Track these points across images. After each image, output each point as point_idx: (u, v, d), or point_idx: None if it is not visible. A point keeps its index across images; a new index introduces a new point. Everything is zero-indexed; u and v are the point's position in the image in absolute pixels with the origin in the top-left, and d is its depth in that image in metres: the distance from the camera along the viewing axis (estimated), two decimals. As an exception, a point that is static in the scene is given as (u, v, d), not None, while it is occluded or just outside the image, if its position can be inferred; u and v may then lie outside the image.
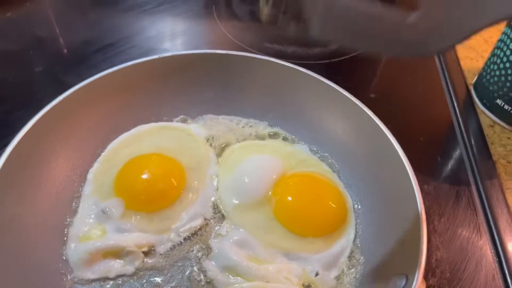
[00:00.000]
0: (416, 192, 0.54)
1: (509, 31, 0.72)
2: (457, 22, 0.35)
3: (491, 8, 0.33)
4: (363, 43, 0.42)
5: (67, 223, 0.58)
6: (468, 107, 0.82)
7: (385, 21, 0.38)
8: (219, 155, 0.68)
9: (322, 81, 0.67)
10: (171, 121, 0.71)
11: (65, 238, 0.57)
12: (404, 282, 0.48)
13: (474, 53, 0.94)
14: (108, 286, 0.54)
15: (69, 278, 0.54)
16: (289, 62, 0.75)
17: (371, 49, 0.43)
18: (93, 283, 0.54)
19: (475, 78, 0.85)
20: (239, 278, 0.54)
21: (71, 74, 0.83)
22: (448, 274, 0.58)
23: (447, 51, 0.34)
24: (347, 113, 0.66)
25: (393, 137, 0.59)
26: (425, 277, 0.57)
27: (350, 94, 0.65)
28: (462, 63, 0.91)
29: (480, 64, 0.90)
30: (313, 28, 0.41)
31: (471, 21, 0.34)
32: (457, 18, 0.35)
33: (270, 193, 0.61)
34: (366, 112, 0.63)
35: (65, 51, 0.91)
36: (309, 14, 0.41)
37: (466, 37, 0.35)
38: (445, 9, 0.35)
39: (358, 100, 0.64)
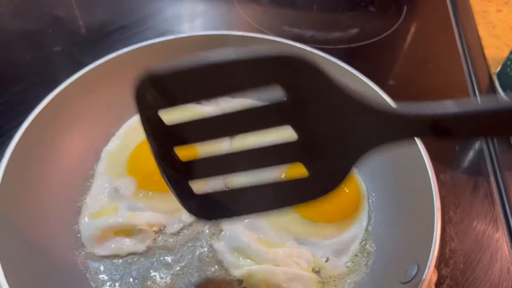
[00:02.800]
0: (432, 181, 0.52)
1: (537, 18, 0.69)
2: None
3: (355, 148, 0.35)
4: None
5: (80, 200, 0.59)
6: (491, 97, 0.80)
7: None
8: (235, 136, 0.67)
9: (340, 65, 0.66)
10: (187, 102, 0.71)
11: (78, 215, 0.57)
12: (415, 270, 0.47)
13: (499, 42, 0.91)
14: (119, 263, 0.54)
15: (81, 253, 0.54)
16: (304, 44, 0.74)
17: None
18: (104, 260, 0.54)
19: (499, 67, 0.83)
20: (248, 260, 0.53)
21: (89, 54, 0.83)
22: (461, 265, 0.57)
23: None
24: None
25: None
26: (438, 267, 0.56)
27: (368, 79, 0.63)
28: (486, 51, 0.88)
29: (505, 53, 0.88)
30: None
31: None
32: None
33: (283, 176, 0.60)
34: (383, 98, 0.61)
35: (83, 31, 0.91)
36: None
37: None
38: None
39: (376, 85, 0.62)
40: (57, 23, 0.92)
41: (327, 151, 0.36)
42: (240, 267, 0.52)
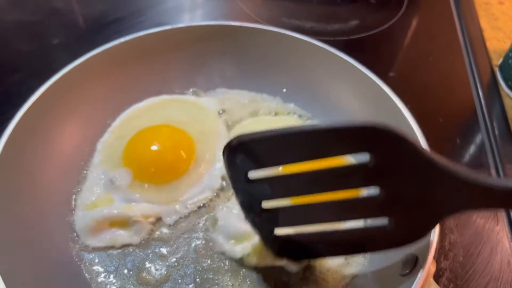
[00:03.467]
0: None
1: (539, 8, 0.68)
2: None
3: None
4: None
5: (75, 191, 0.58)
6: (492, 89, 0.79)
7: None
8: (230, 129, 0.67)
9: (339, 56, 0.65)
10: (183, 93, 0.70)
11: (73, 206, 0.57)
12: (414, 262, 0.46)
13: (501, 34, 0.90)
14: (114, 254, 0.54)
15: (76, 245, 0.54)
16: (303, 35, 0.73)
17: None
18: (99, 251, 0.54)
19: (501, 59, 0.82)
20: (245, 242, 0.53)
21: (86, 46, 0.81)
22: (461, 258, 0.56)
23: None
24: (365, 90, 0.64)
25: (411, 116, 0.57)
26: (437, 260, 0.55)
27: (368, 70, 0.62)
28: (488, 43, 0.87)
29: (507, 45, 0.86)
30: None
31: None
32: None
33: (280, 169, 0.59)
34: (383, 90, 0.60)
35: (81, 22, 0.90)
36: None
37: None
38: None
39: (376, 77, 0.62)
40: (54, 15, 0.91)
41: (410, 210, 0.39)
42: (240, 249, 0.52)
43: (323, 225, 0.44)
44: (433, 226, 0.41)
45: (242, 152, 0.39)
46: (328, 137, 0.36)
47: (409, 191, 0.37)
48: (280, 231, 0.46)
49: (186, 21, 0.90)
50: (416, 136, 0.55)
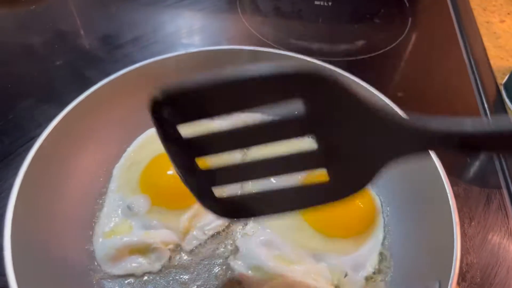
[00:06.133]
0: (448, 194, 0.52)
1: (544, 29, 0.70)
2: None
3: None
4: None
5: (94, 218, 0.58)
6: (499, 108, 0.80)
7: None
8: (245, 152, 0.67)
9: (348, 77, 0.66)
10: (197, 117, 0.70)
11: (91, 234, 0.57)
12: (437, 287, 0.47)
13: (504, 53, 0.91)
14: (135, 283, 0.53)
15: (96, 274, 0.53)
16: (314, 58, 0.73)
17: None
18: (119, 279, 0.54)
19: (506, 78, 0.83)
20: (266, 278, 0.53)
21: (94, 69, 0.83)
22: (478, 279, 0.57)
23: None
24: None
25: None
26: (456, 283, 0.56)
27: (378, 92, 0.63)
28: (492, 62, 0.89)
29: (510, 63, 0.88)
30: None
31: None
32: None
33: (302, 180, 0.60)
34: (395, 111, 0.61)
35: (87, 46, 0.91)
36: None
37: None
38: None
39: (386, 97, 0.62)
40: (61, 37, 0.91)
41: (348, 159, 0.37)
42: (259, 286, 0.52)
43: (261, 181, 0.41)
44: (372, 176, 0.39)
45: (168, 105, 0.35)
46: (257, 85, 0.34)
47: (344, 139, 0.36)
48: (218, 191, 0.42)
49: (194, 43, 0.91)
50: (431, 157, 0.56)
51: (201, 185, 0.42)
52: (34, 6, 0.96)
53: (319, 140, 0.36)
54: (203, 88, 0.34)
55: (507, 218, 0.63)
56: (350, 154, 0.37)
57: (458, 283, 0.56)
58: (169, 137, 0.37)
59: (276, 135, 0.37)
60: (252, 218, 0.51)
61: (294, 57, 0.68)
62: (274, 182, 0.43)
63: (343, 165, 0.37)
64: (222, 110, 0.35)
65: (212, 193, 0.42)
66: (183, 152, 0.39)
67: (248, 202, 0.44)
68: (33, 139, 0.68)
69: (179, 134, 0.37)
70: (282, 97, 0.34)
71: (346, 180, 0.39)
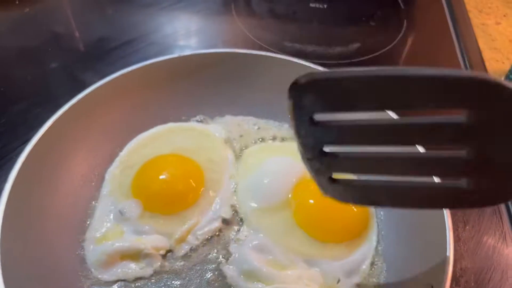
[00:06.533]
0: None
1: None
2: None
3: None
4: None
5: (85, 223, 0.58)
6: (493, 110, 0.79)
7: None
8: (237, 156, 0.67)
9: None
10: (189, 121, 0.70)
11: (83, 239, 0.56)
12: (429, 293, 0.47)
13: (499, 55, 0.91)
14: (126, 288, 0.53)
15: (87, 280, 0.53)
16: (309, 61, 0.73)
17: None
18: (111, 285, 0.53)
19: (501, 81, 0.83)
20: (259, 283, 0.52)
21: (89, 72, 0.83)
22: (473, 284, 0.57)
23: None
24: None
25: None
26: (450, 286, 0.55)
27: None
28: (487, 64, 0.89)
29: (506, 66, 0.88)
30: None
31: None
32: None
33: (290, 196, 0.60)
34: (389, 115, 0.61)
35: (82, 48, 0.90)
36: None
37: None
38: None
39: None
40: (56, 40, 0.91)
41: (496, 172, 0.34)
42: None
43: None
44: None
45: (312, 92, 0.34)
46: (419, 86, 0.31)
47: (502, 153, 0.33)
48: (341, 176, 0.40)
49: (189, 45, 0.91)
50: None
51: (324, 170, 0.39)
52: (28, 9, 0.95)
53: (472, 150, 0.33)
54: (354, 81, 0.32)
55: (501, 222, 0.63)
56: (502, 169, 0.34)
57: (452, 287, 0.55)
58: (301, 122, 0.36)
59: (424, 138, 0.34)
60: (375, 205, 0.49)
61: (290, 60, 0.67)
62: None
63: (489, 177, 0.35)
64: (371, 106, 0.33)
65: (333, 179, 0.39)
66: (312, 137, 0.37)
67: (372, 190, 0.41)
68: (26, 143, 0.68)
69: (313, 122, 0.35)
70: (443, 105, 0.31)
71: (488, 191, 0.36)
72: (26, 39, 0.91)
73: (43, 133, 0.56)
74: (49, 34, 0.92)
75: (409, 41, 0.93)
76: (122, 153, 0.65)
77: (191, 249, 0.57)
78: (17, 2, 0.96)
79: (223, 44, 0.92)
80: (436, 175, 0.38)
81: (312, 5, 1.00)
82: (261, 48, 0.88)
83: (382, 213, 0.61)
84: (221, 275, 0.54)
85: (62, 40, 0.92)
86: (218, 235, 0.58)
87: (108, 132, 0.64)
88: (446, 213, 0.50)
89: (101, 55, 0.87)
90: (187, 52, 0.68)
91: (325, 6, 1.00)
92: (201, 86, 0.70)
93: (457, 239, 0.61)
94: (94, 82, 0.79)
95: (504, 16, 1.02)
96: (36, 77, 0.82)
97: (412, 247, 0.55)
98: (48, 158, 0.57)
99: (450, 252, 0.48)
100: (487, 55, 0.91)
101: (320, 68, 0.66)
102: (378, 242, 0.58)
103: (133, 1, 1.03)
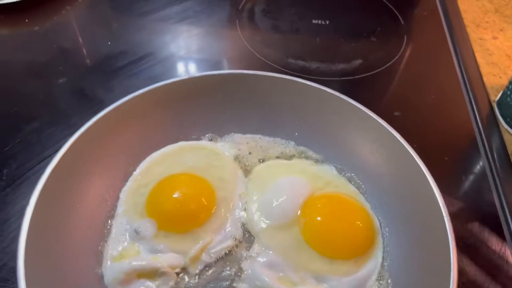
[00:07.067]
0: (444, 215, 0.54)
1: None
2: None
3: None
4: None
5: (102, 242, 0.60)
6: (492, 125, 0.82)
7: None
8: (246, 174, 0.69)
9: (347, 101, 0.68)
10: (200, 139, 0.73)
11: (100, 258, 0.58)
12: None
13: (497, 70, 0.94)
14: (143, 306, 0.55)
15: (105, 298, 0.55)
16: (313, 78, 0.75)
17: None
18: (129, 303, 0.55)
19: (499, 96, 0.85)
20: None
21: (99, 91, 0.85)
22: (475, 298, 0.59)
23: None
24: (374, 133, 0.67)
25: (419, 158, 0.60)
26: (453, 301, 0.58)
27: (375, 114, 0.65)
28: (485, 79, 0.91)
29: (503, 81, 0.91)
30: None
31: None
32: None
33: (299, 214, 0.62)
34: (391, 133, 0.63)
35: (92, 67, 0.92)
36: None
37: None
38: None
39: (383, 121, 0.65)
40: (65, 58, 0.93)
41: None
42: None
43: None
44: None
45: None
46: None
47: None
48: None
49: (195, 63, 0.93)
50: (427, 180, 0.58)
51: None
52: (38, 27, 0.97)
53: None
54: None
55: (502, 236, 0.65)
56: None
57: (455, 302, 0.58)
58: None
59: None
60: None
61: (294, 81, 0.70)
62: None
63: None
64: None
65: None
66: None
67: None
68: (41, 162, 0.71)
69: None
70: None
71: None
72: (36, 57, 0.93)
73: (61, 155, 0.58)
74: (60, 52, 0.94)
75: (409, 56, 0.96)
76: (136, 173, 0.67)
77: (205, 267, 0.59)
78: (26, 21, 0.98)
79: (228, 61, 0.94)
80: None
81: (314, 21, 1.03)
82: (265, 65, 0.90)
83: (387, 229, 0.63)
84: (235, 292, 0.56)
85: (72, 58, 0.94)
86: (231, 252, 0.60)
87: (122, 152, 0.67)
88: (449, 229, 0.53)
89: (110, 75, 0.89)
90: (197, 74, 0.70)
91: (328, 22, 1.03)
92: (210, 105, 0.72)
93: (458, 253, 0.63)
94: (104, 100, 0.82)
95: (501, 30, 1.05)
96: (47, 95, 0.84)
97: (417, 263, 0.57)
98: (66, 179, 0.59)
99: (454, 268, 0.50)
100: (484, 69, 0.94)
101: (325, 89, 0.69)
102: (384, 258, 0.60)
103: (138, 17, 1.05)
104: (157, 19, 1.04)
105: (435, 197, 0.56)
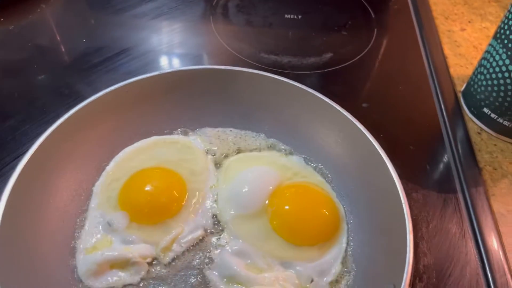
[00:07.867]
0: (403, 201, 0.57)
1: (495, 43, 0.75)
2: None
3: None
4: None
5: (75, 235, 0.61)
6: (457, 115, 0.85)
7: None
8: (217, 166, 0.71)
9: (315, 95, 0.70)
10: (172, 133, 0.75)
11: (73, 250, 0.60)
12: (392, 292, 0.52)
13: (464, 61, 0.97)
14: (116, 295, 0.57)
15: (78, 288, 0.57)
16: (285, 72, 0.77)
17: None
18: (101, 293, 0.57)
19: (464, 86, 0.88)
20: (239, 286, 0.57)
21: (74, 88, 0.86)
22: (434, 280, 0.62)
23: None
24: (339, 125, 0.69)
25: (381, 149, 0.63)
26: (413, 283, 0.61)
27: (341, 107, 0.68)
28: (451, 70, 0.94)
29: (469, 71, 0.93)
30: None
31: None
32: None
33: (266, 203, 0.64)
34: (356, 125, 0.66)
35: (68, 64, 0.93)
36: None
37: None
38: None
39: (348, 113, 0.67)
40: (41, 57, 0.94)
41: None
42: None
43: None
44: None
45: None
46: None
47: None
48: None
49: (169, 59, 0.95)
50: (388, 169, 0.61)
51: None
52: (13, 26, 0.98)
53: None
54: None
55: (462, 221, 0.68)
56: None
57: (415, 284, 0.61)
58: None
59: None
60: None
61: (266, 76, 0.72)
62: None
63: None
64: None
65: None
66: None
67: None
68: (16, 158, 0.72)
69: None
70: None
71: None
72: (11, 55, 0.93)
73: (34, 150, 0.59)
74: (35, 50, 0.95)
75: (379, 49, 0.99)
76: (109, 167, 0.69)
77: (175, 257, 0.61)
78: (1, 20, 0.98)
79: (202, 56, 0.96)
80: None
81: (287, 16, 1.05)
82: (239, 60, 0.92)
83: (351, 216, 0.66)
84: (205, 280, 0.59)
85: (47, 57, 0.94)
86: (201, 242, 0.63)
87: (95, 147, 0.68)
88: (407, 217, 0.56)
89: (86, 71, 0.90)
90: (168, 70, 0.72)
91: (300, 17, 1.05)
92: (182, 100, 0.74)
93: (421, 238, 0.66)
94: (80, 96, 0.83)
95: (469, 22, 1.08)
96: (23, 93, 0.85)
97: (378, 248, 0.60)
98: (39, 174, 0.60)
99: (410, 255, 0.53)
100: (451, 61, 0.97)
101: (294, 83, 0.71)
102: (347, 244, 0.63)
103: (114, 14, 1.06)
104: (133, 16, 1.05)
105: (395, 184, 0.59)
